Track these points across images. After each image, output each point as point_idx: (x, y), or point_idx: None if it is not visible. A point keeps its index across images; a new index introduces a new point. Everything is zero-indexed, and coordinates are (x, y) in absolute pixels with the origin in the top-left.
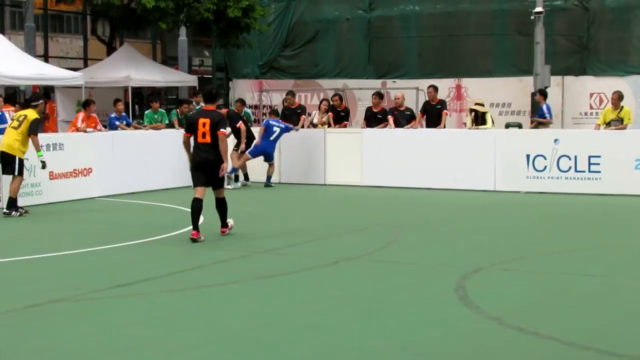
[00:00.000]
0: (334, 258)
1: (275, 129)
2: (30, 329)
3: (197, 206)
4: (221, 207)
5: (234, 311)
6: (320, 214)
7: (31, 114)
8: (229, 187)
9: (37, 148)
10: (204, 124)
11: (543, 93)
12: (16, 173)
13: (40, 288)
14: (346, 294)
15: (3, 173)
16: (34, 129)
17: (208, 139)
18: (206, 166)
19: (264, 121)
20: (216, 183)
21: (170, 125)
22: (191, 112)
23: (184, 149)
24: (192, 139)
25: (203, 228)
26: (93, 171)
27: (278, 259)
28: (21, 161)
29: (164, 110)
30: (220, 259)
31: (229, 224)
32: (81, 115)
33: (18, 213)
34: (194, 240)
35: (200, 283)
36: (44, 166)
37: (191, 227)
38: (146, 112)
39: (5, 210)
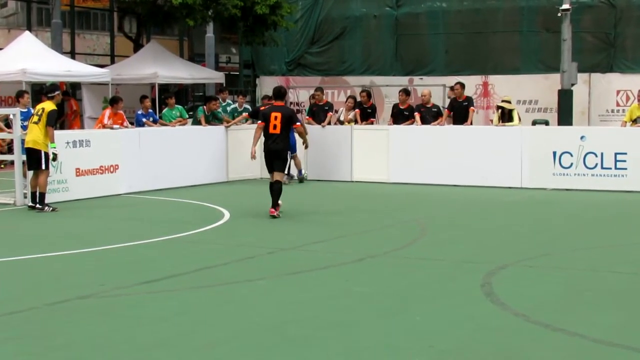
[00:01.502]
0: (361, 255)
1: None
2: (56, 325)
3: (276, 187)
4: (277, 189)
5: (260, 307)
6: (346, 210)
7: (48, 105)
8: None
9: (52, 139)
10: (275, 117)
11: None
12: (43, 167)
13: (67, 284)
14: (372, 290)
15: (29, 169)
16: (51, 120)
17: (278, 130)
18: (274, 154)
19: None
20: (278, 167)
21: (197, 122)
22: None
23: (253, 137)
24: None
25: (229, 227)
26: (119, 168)
27: (304, 255)
28: (47, 155)
29: (181, 107)
30: (246, 256)
31: (280, 205)
32: (108, 112)
33: (51, 208)
34: (272, 217)
35: (227, 279)
36: (54, 158)
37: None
38: (164, 111)
39: (37, 205)
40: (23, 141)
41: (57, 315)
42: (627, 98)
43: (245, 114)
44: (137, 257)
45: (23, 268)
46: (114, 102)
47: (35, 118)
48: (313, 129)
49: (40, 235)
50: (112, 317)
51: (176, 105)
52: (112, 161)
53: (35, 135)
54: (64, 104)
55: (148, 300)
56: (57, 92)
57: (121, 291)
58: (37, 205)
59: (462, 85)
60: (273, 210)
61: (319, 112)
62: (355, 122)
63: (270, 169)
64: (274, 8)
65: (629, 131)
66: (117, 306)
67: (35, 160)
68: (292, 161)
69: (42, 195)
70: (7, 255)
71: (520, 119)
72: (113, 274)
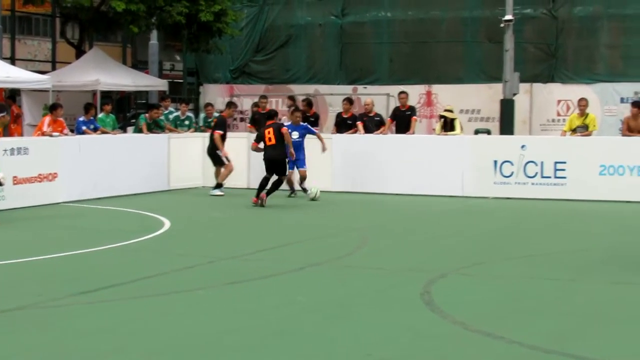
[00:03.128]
0: (301, 264)
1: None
2: None
3: (263, 181)
4: (276, 184)
5: (200, 317)
6: (288, 219)
7: None
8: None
9: None
10: (268, 132)
11: None
12: None
13: (4, 295)
14: (313, 299)
15: None
16: None
17: (273, 141)
18: (273, 161)
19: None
20: (280, 173)
21: (138, 130)
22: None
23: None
24: None
25: (170, 236)
26: (58, 176)
27: (245, 264)
28: None
29: (114, 117)
30: (187, 265)
31: (263, 199)
32: (47, 119)
33: None
34: (254, 205)
35: (167, 289)
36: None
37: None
38: (100, 115)
39: None
40: None
41: None
42: (568, 108)
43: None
44: (75, 267)
45: None
46: (53, 109)
47: None
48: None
49: None
50: (51, 329)
51: (110, 114)
52: (51, 169)
53: None
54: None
55: (87, 311)
56: (3, 114)
57: (59, 302)
58: None
59: (406, 95)
60: (256, 199)
61: (262, 120)
62: None
63: (271, 174)
64: (219, 15)
65: (569, 140)
66: (55, 317)
67: None
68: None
69: None
70: None
71: (462, 129)
72: (51, 285)
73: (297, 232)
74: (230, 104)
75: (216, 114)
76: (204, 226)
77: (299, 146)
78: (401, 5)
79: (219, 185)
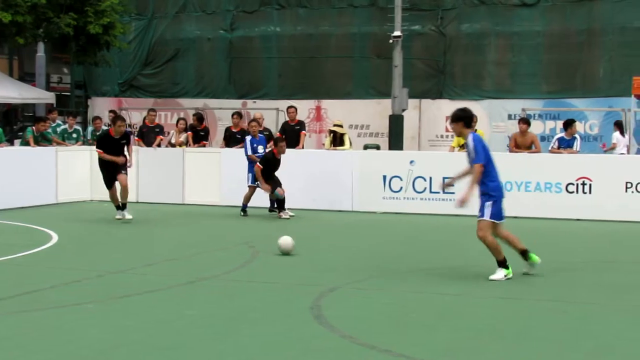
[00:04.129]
0: (191, 277)
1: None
2: None
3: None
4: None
5: (88, 332)
6: (177, 233)
7: None
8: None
9: None
10: None
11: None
12: None
13: None
14: (202, 313)
15: None
16: None
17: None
18: None
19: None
20: None
21: (25, 143)
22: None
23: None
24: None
25: (57, 250)
26: None
27: (134, 278)
28: None
29: (1, 129)
30: (74, 279)
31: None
32: None
33: None
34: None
35: (54, 303)
36: None
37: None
38: None
39: None
40: None
41: None
42: None
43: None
44: None
45: None
46: None
47: None
48: (144, 151)
49: None
50: None
51: None
52: None
53: None
54: None
55: None
56: None
57: None
58: None
59: (295, 109)
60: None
61: (149, 133)
62: (187, 144)
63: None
64: (107, 28)
65: (457, 156)
66: None
67: None
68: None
69: None
70: None
71: (351, 143)
72: None
73: (186, 246)
74: (116, 119)
75: (105, 128)
76: (92, 240)
77: None
78: (290, 21)
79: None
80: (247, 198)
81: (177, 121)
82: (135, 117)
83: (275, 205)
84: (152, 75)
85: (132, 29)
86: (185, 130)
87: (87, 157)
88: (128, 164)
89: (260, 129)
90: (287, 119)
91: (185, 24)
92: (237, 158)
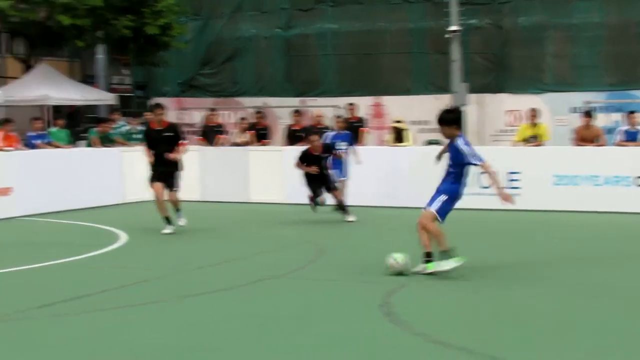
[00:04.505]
0: (256, 276)
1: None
2: None
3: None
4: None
5: (155, 332)
6: (244, 231)
7: None
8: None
9: None
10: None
11: None
12: None
13: None
14: (269, 312)
15: None
16: None
17: None
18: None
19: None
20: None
21: (90, 145)
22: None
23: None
24: None
25: (126, 249)
26: (13, 190)
27: (201, 277)
28: None
29: (68, 131)
30: (141, 279)
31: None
32: (0, 134)
33: None
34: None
35: (122, 303)
36: None
37: None
38: (52, 129)
39: None
40: None
41: None
42: (518, 118)
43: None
44: (31, 281)
45: None
46: (5, 123)
47: None
48: (207, 151)
49: None
50: (4, 344)
51: (64, 129)
52: (5, 184)
53: None
54: None
55: (45, 324)
56: None
57: (17, 315)
58: None
59: (354, 106)
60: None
61: (210, 132)
62: (250, 143)
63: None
64: (165, 29)
65: (521, 150)
66: (12, 331)
67: None
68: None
69: None
70: None
71: (413, 140)
72: (8, 299)
73: (254, 244)
74: (154, 107)
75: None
76: (159, 239)
77: None
78: (346, 17)
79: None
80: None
81: (238, 120)
82: (195, 117)
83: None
84: (211, 75)
85: (189, 29)
86: (248, 129)
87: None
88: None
89: (320, 126)
90: (347, 116)
91: (241, 23)
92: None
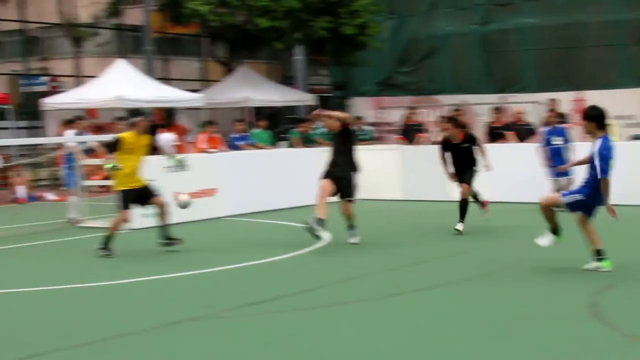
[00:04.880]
0: (464, 275)
1: None
2: (169, 347)
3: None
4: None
5: (362, 330)
6: (445, 231)
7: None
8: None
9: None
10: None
11: None
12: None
13: (175, 307)
14: (476, 311)
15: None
16: (108, 146)
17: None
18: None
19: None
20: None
21: (291, 145)
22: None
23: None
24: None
25: (329, 249)
26: (217, 191)
27: (407, 276)
28: (123, 193)
29: (270, 132)
30: (349, 277)
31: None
32: (203, 136)
33: (107, 254)
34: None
35: (330, 301)
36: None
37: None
38: (255, 131)
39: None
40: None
41: (168, 337)
42: None
43: None
44: (240, 279)
45: (139, 289)
46: (208, 125)
47: None
48: (408, 149)
49: (141, 260)
50: (221, 339)
51: (266, 130)
52: (210, 185)
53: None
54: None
55: (254, 322)
56: (139, 118)
57: (228, 313)
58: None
59: (556, 102)
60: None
61: (410, 131)
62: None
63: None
64: (361, 28)
65: None
66: (225, 328)
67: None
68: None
69: (107, 236)
70: (114, 278)
71: (619, 135)
72: (220, 296)
73: (455, 244)
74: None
75: (366, 128)
76: (363, 238)
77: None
78: (545, 11)
79: None
80: (555, 191)
81: (439, 119)
82: (394, 116)
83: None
84: (408, 74)
85: (385, 28)
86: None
87: None
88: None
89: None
90: (548, 111)
91: (437, 20)
92: (501, 153)
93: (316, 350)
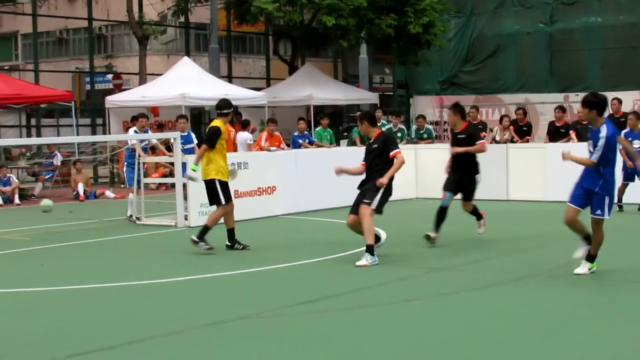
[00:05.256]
0: (518, 274)
1: None
2: (218, 345)
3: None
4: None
5: (417, 328)
6: (503, 230)
7: (213, 123)
8: None
9: (196, 160)
10: None
11: None
12: (222, 200)
13: (226, 305)
14: (530, 311)
15: (210, 204)
16: (207, 138)
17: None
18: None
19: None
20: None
21: (352, 143)
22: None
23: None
24: None
25: (384, 247)
26: (277, 189)
27: (460, 275)
28: (222, 184)
29: (332, 131)
30: (402, 276)
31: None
32: (264, 134)
33: (207, 247)
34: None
35: (383, 300)
36: (191, 178)
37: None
38: (317, 129)
39: (194, 238)
40: (184, 164)
41: (218, 336)
42: None
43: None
44: (293, 277)
45: (193, 287)
46: (269, 123)
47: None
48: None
49: (197, 258)
50: (272, 338)
51: (328, 129)
52: (269, 183)
53: (203, 163)
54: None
55: (305, 320)
56: (229, 110)
57: (280, 312)
58: (193, 238)
59: (620, 101)
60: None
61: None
62: (512, 139)
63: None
64: (427, 27)
65: None
66: (276, 327)
67: (210, 193)
68: None
69: (204, 228)
70: (168, 276)
71: None
72: (271, 295)
73: (513, 242)
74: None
75: (428, 126)
76: (418, 237)
77: None
78: (612, 10)
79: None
80: (620, 190)
81: (501, 118)
82: None
83: None
84: (472, 72)
85: (451, 27)
86: (509, 127)
87: (411, 155)
88: None
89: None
90: (612, 111)
91: (504, 19)
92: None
93: (364, 349)
